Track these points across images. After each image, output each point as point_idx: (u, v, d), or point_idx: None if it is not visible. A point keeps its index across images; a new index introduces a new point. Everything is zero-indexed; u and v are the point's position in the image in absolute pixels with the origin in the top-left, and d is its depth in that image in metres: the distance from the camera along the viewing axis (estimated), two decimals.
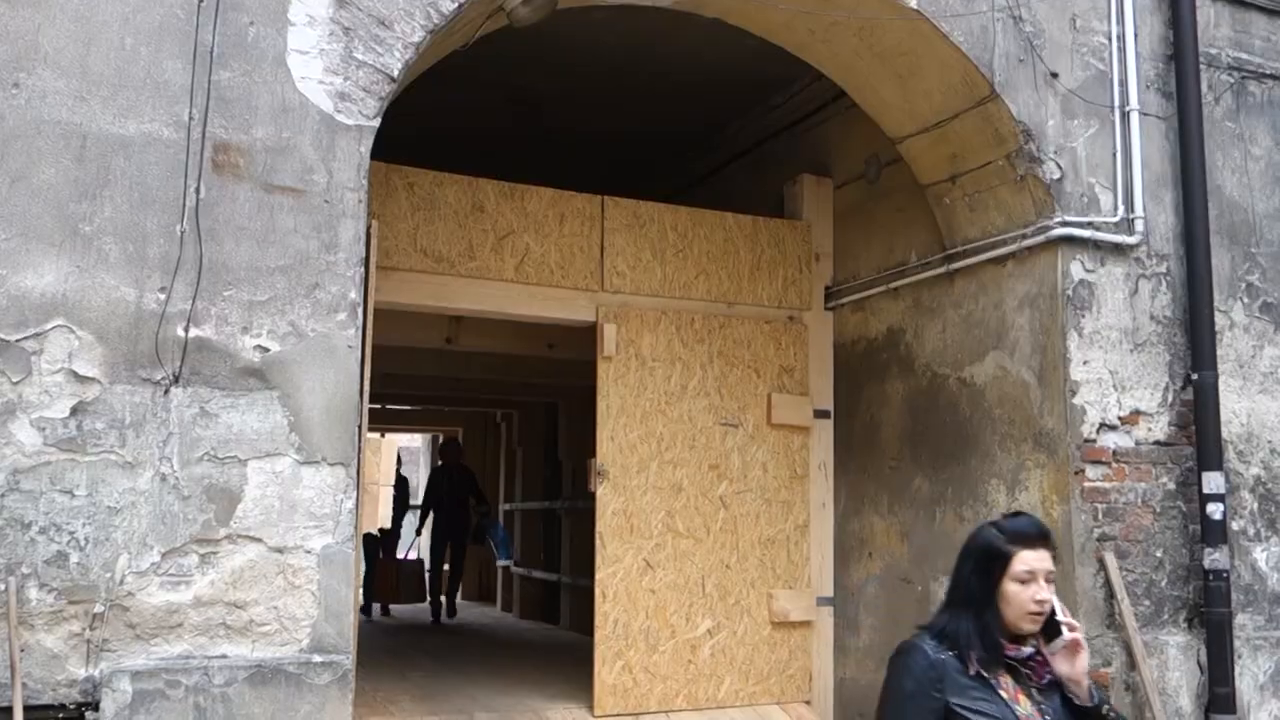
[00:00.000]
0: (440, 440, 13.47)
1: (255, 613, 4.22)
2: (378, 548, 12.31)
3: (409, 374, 10.47)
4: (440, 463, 13.03)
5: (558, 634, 11.01)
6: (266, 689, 4.14)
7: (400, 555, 12.87)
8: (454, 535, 12.26)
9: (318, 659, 4.25)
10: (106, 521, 4.06)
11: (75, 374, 4.07)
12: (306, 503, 4.32)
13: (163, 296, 4.20)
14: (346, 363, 4.45)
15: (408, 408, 14.53)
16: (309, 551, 4.31)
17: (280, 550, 4.27)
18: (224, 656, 4.16)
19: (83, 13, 4.23)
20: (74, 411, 4.06)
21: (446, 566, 12.33)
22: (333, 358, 4.42)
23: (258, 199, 4.38)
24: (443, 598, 12.16)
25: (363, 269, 4.56)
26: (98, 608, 4.03)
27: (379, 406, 13.69)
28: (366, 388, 4.69)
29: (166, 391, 4.18)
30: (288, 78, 4.47)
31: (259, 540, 4.24)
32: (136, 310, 4.17)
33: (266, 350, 4.33)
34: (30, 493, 3.98)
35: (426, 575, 12.35)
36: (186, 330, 4.22)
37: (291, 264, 4.40)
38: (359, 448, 4.55)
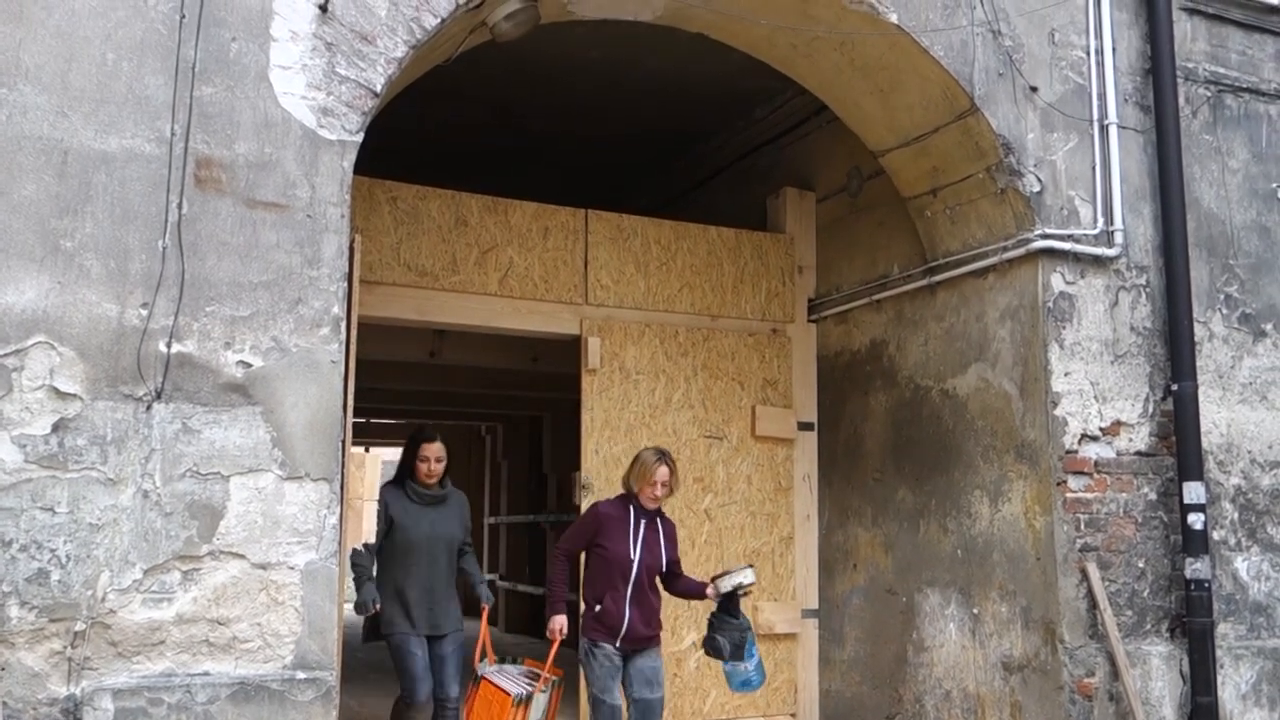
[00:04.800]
0: None
1: (238, 629, 4.20)
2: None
3: (393, 388, 10.45)
4: None
5: (543, 648, 10.94)
6: (249, 706, 4.12)
7: None
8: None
9: (301, 676, 4.23)
10: (88, 539, 4.04)
11: (56, 390, 4.05)
12: (290, 518, 4.31)
13: (145, 312, 4.19)
14: (330, 378, 4.44)
15: (392, 422, 14.51)
16: (292, 567, 4.29)
17: (263, 566, 4.25)
18: (206, 674, 4.14)
19: (64, 28, 4.22)
20: (55, 428, 4.03)
21: None
22: (316, 373, 4.41)
23: (240, 214, 4.38)
24: None
25: (346, 284, 4.55)
26: (79, 625, 4.00)
27: (363, 421, 13.67)
28: (350, 402, 4.69)
29: (149, 408, 4.16)
30: (270, 93, 4.47)
31: (242, 556, 4.22)
32: (118, 326, 4.16)
33: (249, 366, 4.32)
34: (11, 510, 3.95)
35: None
36: (169, 346, 4.20)
37: (274, 279, 4.39)
38: (342, 463, 4.54)
